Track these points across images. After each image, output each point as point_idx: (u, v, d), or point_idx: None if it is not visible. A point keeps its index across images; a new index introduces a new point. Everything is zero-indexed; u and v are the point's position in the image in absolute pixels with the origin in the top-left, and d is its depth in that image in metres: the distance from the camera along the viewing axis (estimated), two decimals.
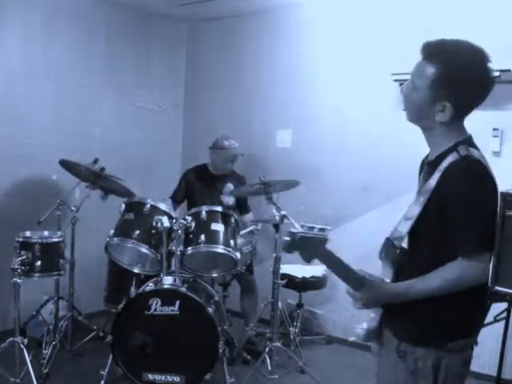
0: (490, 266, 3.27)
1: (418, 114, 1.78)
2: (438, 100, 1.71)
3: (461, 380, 1.76)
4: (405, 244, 1.81)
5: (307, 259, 1.69)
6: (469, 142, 1.76)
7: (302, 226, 1.69)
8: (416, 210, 1.74)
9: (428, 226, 1.73)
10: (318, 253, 1.67)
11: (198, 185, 4.42)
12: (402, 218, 1.81)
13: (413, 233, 1.76)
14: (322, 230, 1.69)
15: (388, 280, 1.81)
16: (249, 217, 4.48)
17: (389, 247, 1.83)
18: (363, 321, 1.88)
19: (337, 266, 1.74)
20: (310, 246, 1.66)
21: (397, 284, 1.76)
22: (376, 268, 1.88)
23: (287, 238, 1.67)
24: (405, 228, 1.77)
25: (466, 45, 1.72)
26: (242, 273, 4.04)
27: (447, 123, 1.74)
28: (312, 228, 1.69)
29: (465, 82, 1.69)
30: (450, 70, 1.69)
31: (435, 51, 1.71)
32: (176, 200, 4.41)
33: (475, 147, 1.76)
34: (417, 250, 1.78)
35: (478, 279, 1.65)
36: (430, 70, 1.69)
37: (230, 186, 4.39)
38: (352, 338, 1.89)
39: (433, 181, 1.70)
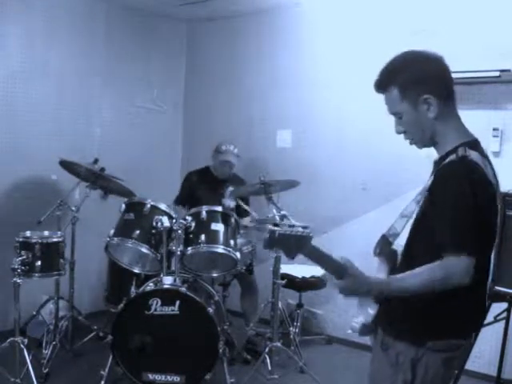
0: (491, 267, 3.27)
1: (421, 131, 1.80)
2: (417, 102, 1.75)
3: (441, 381, 1.74)
4: (401, 241, 1.83)
5: (290, 256, 1.72)
6: (472, 144, 1.76)
7: (280, 225, 1.72)
8: (412, 208, 1.77)
9: (423, 225, 1.74)
10: (301, 249, 1.70)
11: (201, 187, 4.42)
12: (398, 216, 1.84)
13: (410, 231, 1.78)
14: (305, 227, 1.72)
15: (383, 276, 1.83)
16: (246, 220, 4.48)
17: (384, 244, 1.85)
18: (361, 315, 1.89)
19: (321, 259, 1.75)
20: (293, 243, 1.68)
21: (377, 278, 1.77)
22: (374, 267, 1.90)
23: (266, 236, 1.68)
24: (400, 225, 1.80)
25: (398, 55, 1.82)
26: (242, 273, 4.04)
27: (442, 119, 1.76)
28: (292, 226, 1.72)
29: (415, 68, 1.77)
30: (400, 72, 1.77)
31: (383, 79, 1.81)
32: (180, 204, 4.40)
33: (479, 151, 1.75)
34: (413, 248, 1.78)
35: (458, 280, 1.60)
36: (393, 92, 1.78)
37: (231, 190, 4.40)
38: (348, 331, 1.90)
39: (430, 180, 1.74)
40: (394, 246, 1.85)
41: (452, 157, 1.70)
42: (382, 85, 1.81)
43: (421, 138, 1.81)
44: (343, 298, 1.80)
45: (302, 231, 1.70)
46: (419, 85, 1.74)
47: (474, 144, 1.76)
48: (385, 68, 1.81)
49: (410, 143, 1.86)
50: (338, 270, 1.74)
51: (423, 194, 1.75)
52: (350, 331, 1.89)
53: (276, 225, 1.72)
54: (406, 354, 1.72)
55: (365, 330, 1.87)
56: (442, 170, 1.70)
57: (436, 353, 1.70)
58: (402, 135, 1.88)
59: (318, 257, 1.75)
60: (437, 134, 1.79)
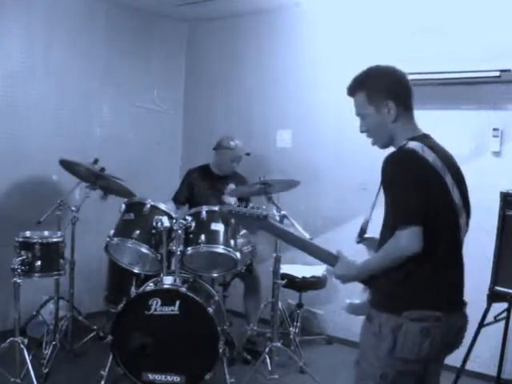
0: (490, 266, 3.26)
1: (381, 131, 2.09)
2: (380, 107, 2.04)
3: (418, 348, 1.89)
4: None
5: (247, 230, 2.25)
6: (417, 137, 2.00)
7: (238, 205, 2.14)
8: (375, 197, 2.10)
9: (385, 211, 2.01)
10: (256, 227, 2.08)
11: (201, 185, 4.42)
12: (370, 206, 2.16)
13: (383, 218, 2.02)
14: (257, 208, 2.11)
15: None
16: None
17: (361, 233, 2.15)
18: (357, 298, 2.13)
19: (292, 239, 2.12)
20: (244, 220, 2.07)
21: (360, 262, 2.02)
22: None
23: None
24: (369, 213, 2.14)
25: (370, 67, 2.14)
26: (248, 268, 4.06)
27: (399, 122, 2.05)
28: (245, 205, 2.10)
29: (381, 79, 2.09)
30: (369, 81, 2.09)
31: (354, 85, 2.14)
32: (178, 201, 4.40)
33: (423, 142, 1.97)
34: (383, 232, 2.03)
35: (406, 248, 1.86)
36: (360, 96, 2.10)
37: (232, 187, 4.39)
38: (346, 302, 2.18)
39: None
40: (368, 233, 2.13)
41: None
42: (351, 90, 2.15)
43: (379, 138, 2.12)
44: (341, 283, 2.08)
45: (255, 211, 2.05)
46: (382, 92, 2.04)
47: (419, 137, 2.02)
48: (357, 76, 2.14)
49: (372, 143, 2.16)
50: (326, 256, 2.07)
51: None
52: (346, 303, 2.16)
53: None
54: (387, 323, 1.92)
55: (351, 308, 2.14)
56: (383, 162, 1.98)
57: (413, 322, 1.89)
58: None
59: (283, 236, 2.15)
60: (394, 135, 2.07)
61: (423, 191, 1.89)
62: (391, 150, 2.08)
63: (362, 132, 2.14)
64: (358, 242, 2.15)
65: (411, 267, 1.89)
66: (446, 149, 2.07)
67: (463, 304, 2.05)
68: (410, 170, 1.91)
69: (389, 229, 1.94)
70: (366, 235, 2.14)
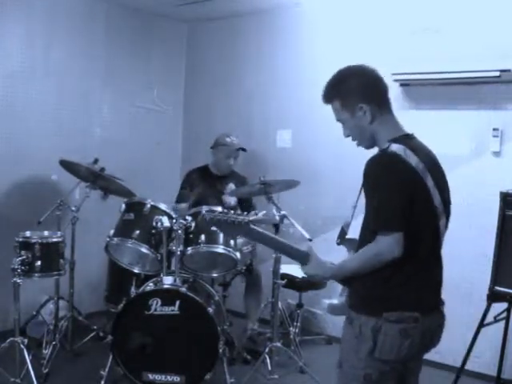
0: (490, 266, 3.26)
1: (360, 134, 2.07)
2: (354, 111, 2.03)
3: (397, 349, 1.91)
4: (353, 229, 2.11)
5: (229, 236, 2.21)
6: (399, 138, 1.98)
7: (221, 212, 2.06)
8: (356, 198, 2.09)
9: (366, 214, 1.99)
10: (238, 233, 2.10)
11: (201, 186, 4.42)
12: (351, 207, 2.14)
13: (363, 219, 2.02)
14: (240, 214, 2.07)
15: None
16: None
17: (342, 234, 2.15)
18: (335, 298, 2.15)
19: (272, 243, 2.14)
20: (227, 228, 2.03)
21: (332, 263, 2.03)
22: None
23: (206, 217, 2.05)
24: (350, 215, 2.13)
25: (340, 70, 2.11)
26: (248, 268, 4.07)
27: (377, 122, 2.02)
28: (226, 213, 2.06)
29: (350, 82, 2.06)
30: (338, 87, 2.08)
31: (326, 94, 2.13)
32: (181, 202, 4.39)
33: (405, 143, 1.95)
34: (363, 234, 2.03)
35: (387, 254, 1.86)
36: (335, 103, 2.09)
37: (231, 187, 4.40)
38: (325, 303, 2.20)
39: None
40: (349, 235, 2.13)
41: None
42: (326, 98, 2.14)
43: (362, 140, 2.09)
44: (309, 279, 2.11)
45: (238, 217, 2.02)
46: (354, 96, 2.03)
47: (402, 138, 1.99)
48: (327, 83, 2.12)
49: (357, 145, 2.12)
50: (299, 256, 2.05)
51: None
52: (325, 305, 2.18)
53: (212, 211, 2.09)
54: (368, 324, 1.92)
55: (330, 308, 2.17)
56: (365, 165, 1.95)
57: (392, 323, 1.89)
58: None
59: (266, 241, 2.12)
60: (376, 134, 2.04)
61: (406, 195, 1.88)
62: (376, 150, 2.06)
63: (345, 137, 2.13)
64: (339, 244, 2.15)
65: (389, 272, 1.90)
66: (429, 149, 2.06)
67: (441, 303, 2.07)
68: (394, 174, 1.90)
69: (370, 231, 1.93)
70: (347, 236, 2.14)
